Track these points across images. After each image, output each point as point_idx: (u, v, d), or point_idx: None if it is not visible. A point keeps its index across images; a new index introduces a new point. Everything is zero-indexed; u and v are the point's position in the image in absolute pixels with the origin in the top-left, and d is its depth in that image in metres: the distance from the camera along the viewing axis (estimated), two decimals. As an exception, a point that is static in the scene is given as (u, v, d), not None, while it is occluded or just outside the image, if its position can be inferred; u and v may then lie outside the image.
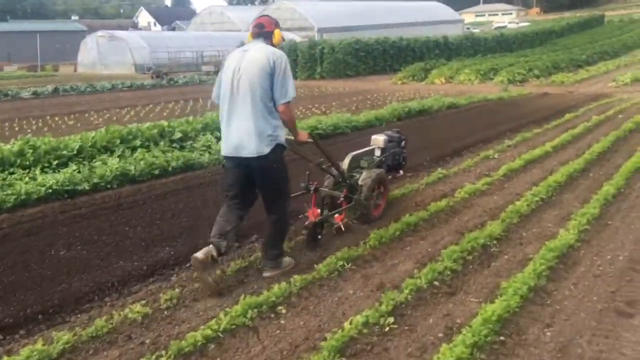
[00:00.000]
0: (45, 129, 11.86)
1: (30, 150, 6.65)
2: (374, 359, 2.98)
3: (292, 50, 26.86)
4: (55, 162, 6.66)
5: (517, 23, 63.91)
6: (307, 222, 4.46)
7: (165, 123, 8.24)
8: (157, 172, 6.86)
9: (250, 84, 3.69)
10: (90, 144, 7.11)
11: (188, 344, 3.04)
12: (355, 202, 4.90)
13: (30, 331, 3.39)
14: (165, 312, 3.53)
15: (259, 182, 3.91)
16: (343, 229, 4.75)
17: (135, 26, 73.25)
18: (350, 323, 3.23)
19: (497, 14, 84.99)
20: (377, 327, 3.25)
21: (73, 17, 78.46)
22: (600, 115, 11.20)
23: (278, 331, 3.27)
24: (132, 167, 6.65)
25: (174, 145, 7.88)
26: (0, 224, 5.15)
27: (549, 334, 3.20)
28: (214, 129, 8.62)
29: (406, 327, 3.28)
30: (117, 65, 36.78)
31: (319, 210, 4.54)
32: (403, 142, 5.90)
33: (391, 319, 3.31)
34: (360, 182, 4.93)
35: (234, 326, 3.25)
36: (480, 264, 4.19)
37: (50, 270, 4.20)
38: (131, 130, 7.68)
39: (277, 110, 3.78)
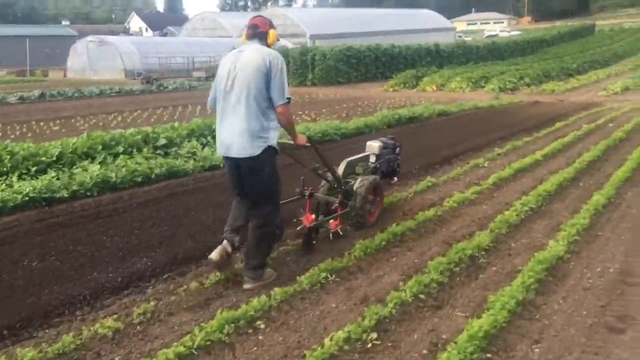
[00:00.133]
0: (30, 134, 11.66)
1: (8, 156, 6.46)
2: (354, 378, 2.84)
3: (283, 57, 26.61)
4: (33, 169, 6.46)
5: (509, 32, 64.34)
6: (300, 227, 4.45)
7: (149, 129, 8.07)
8: (139, 179, 6.68)
9: (245, 83, 3.66)
10: (70, 150, 6.93)
11: (159, 362, 2.88)
12: (351, 208, 4.87)
13: (-6, 347, 3.22)
14: (138, 327, 3.36)
15: (247, 183, 3.85)
16: (341, 233, 4.75)
17: (126, 31, 72.94)
18: (331, 339, 3.09)
19: (488, 23, 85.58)
20: (359, 343, 3.12)
21: (64, 22, 78.03)
22: (590, 124, 11.17)
23: (255, 348, 3.12)
24: (114, 174, 6.48)
25: (158, 151, 7.71)
26: (-27, 233, 4.97)
27: (537, 350, 3.08)
28: (199, 135, 8.47)
29: (389, 344, 3.14)
30: (107, 70, 36.49)
31: (313, 216, 4.51)
32: (398, 149, 5.93)
33: (374, 335, 3.17)
34: (355, 188, 4.90)
35: (209, 342, 3.10)
36: (468, 276, 4.06)
37: (20, 282, 4.02)
38: (114, 136, 7.51)
39: (274, 111, 3.74)
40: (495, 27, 77.07)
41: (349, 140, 9.74)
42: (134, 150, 7.47)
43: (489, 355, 2.99)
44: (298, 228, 4.59)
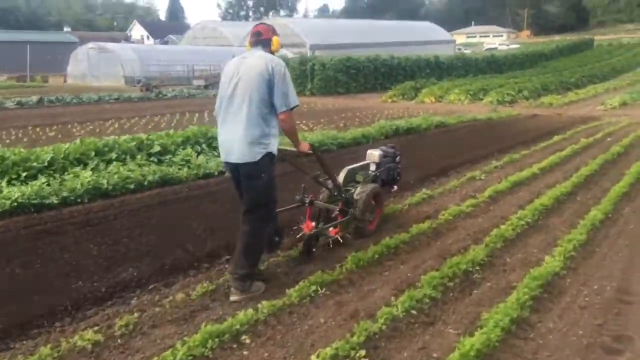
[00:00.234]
0: (25, 139, 11.58)
1: (-2, 162, 6.38)
2: (340, 398, 2.74)
3: (283, 66, 26.72)
4: (24, 174, 6.36)
5: (508, 45, 64.62)
6: (300, 235, 4.48)
7: (143, 136, 7.99)
8: (131, 186, 6.58)
9: (247, 89, 3.67)
10: (62, 155, 6.84)
11: (138, 377, 2.78)
12: (351, 216, 4.87)
13: (-31, 359, 3.11)
14: (119, 340, 3.26)
15: (245, 187, 3.84)
16: (341, 240, 4.75)
17: (127, 39, 73.11)
18: (318, 356, 2.99)
19: (488, 36, 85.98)
20: (347, 360, 3.01)
21: (65, 29, 78.21)
22: (588, 138, 11.11)
23: (239, 364, 3.02)
24: (105, 181, 6.38)
25: (152, 158, 7.62)
26: (-43, 239, 4.86)
27: (531, 371, 2.98)
28: (194, 142, 8.39)
29: (378, 362, 3.04)
30: (107, 77, 36.50)
31: (313, 223, 4.53)
32: (398, 158, 5.96)
33: (363, 352, 3.07)
34: (355, 196, 4.92)
35: (190, 357, 3.00)
36: (461, 292, 3.97)
37: (1, 290, 3.91)
38: (107, 143, 7.42)
39: (276, 118, 3.75)
40: (495, 40, 77.46)
41: (346, 150, 9.65)
42: (127, 157, 7.38)
43: (480, 375, 2.89)
44: (298, 235, 4.58)
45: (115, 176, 6.56)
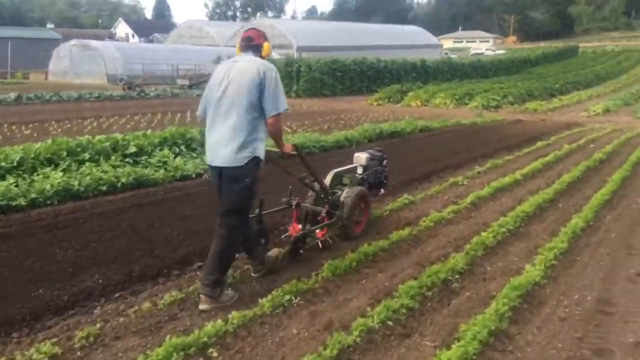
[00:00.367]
0: (0, 137, 11.26)
1: (-35, 161, 6.13)
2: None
3: (269, 67, 26.57)
4: (-9, 175, 6.14)
5: (494, 50, 65.09)
6: (285, 235, 4.52)
7: (119, 136, 7.77)
8: (104, 188, 6.38)
9: (237, 93, 3.64)
10: (33, 155, 6.60)
11: (93, 395, 2.61)
12: (337, 219, 4.85)
13: None
14: (78, 353, 3.08)
15: (225, 191, 3.76)
16: (330, 241, 4.75)
17: (112, 37, 72.28)
18: (287, 371, 2.84)
19: (474, 41, 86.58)
20: (318, 375, 2.87)
21: (49, 25, 77.16)
22: (571, 144, 11.12)
23: (204, 379, 2.86)
24: (77, 182, 6.17)
25: (127, 160, 7.41)
26: None
27: (508, 387, 2.86)
28: (172, 144, 8.19)
29: (350, 377, 2.90)
30: (90, 75, 35.96)
31: (300, 226, 4.53)
32: (385, 161, 5.97)
33: (335, 366, 2.93)
34: (342, 199, 4.92)
35: (153, 372, 2.83)
36: (440, 301, 3.85)
37: (-43, 298, 3.71)
38: (80, 143, 7.19)
39: (264, 121, 3.72)
40: (481, 45, 78.00)
41: (328, 154, 9.53)
42: (101, 157, 7.16)
43: (456, 392, 2.77)
44: (283, 236, 4.61)
45: (88, 177, 6.36)
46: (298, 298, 3.79)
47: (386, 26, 55.92)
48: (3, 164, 6.29)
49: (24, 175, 6.30)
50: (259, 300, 3.69)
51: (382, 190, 6.06)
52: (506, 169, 8.63)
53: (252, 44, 3.87)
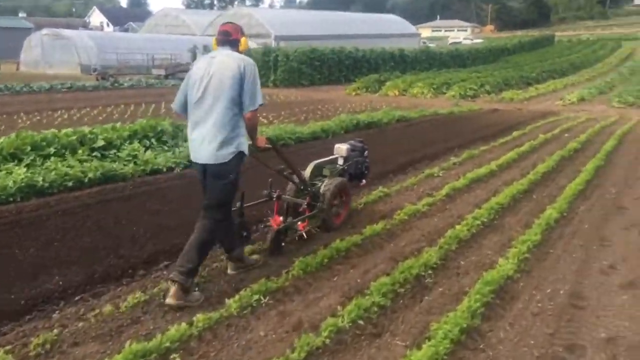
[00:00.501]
0: (-36, 130, 10.88)
1: None
2: None
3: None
4: (-51, 171, 5.88)
5: (472, 39, 65.37)
6: (265, 226, 4.49)
7: (86, 129, 7.52)
8: (70, 183, 6.16)
9: (218, 89, 3.63)
10: (-6, 150, 6.36)
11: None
12: (318, 210, 4.84)
13: None
14: (33, 361, 2.93)
15: (210, 187, 3.78)
16: (305, 236, 4.71)
17: (86, 26, 70.72)
18: (252, 376, 2.74)
19: (453, 30, 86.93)
20: (285, 380, 2.77)
21: (21, 14, 75.05)
22: (546, 134, 11.16)
23: (165, 387, 2.74)
24: (41, 178, 5.95)
25: (95, 154, 7.18)
26: None
27: (479, 388, 2.80)
28: (143, 137, 7.97)
29: (318, 380, 2.81)
30: (63, 65, 35.11)
31: (281, 218, 4.52)
32: (366, 152, 5.96)
33: (302, 370, 2.84)
34: (322, 190, 4.91)
35: (110, 381, 2.70)
36: (412, 298, 3.78)
37: None
38: (45, 137, 6.94)
39: (243, 117, 3.71)
40: (459, 34, 78.32)
41: (304, 145, 9.40)
42: (68, 152, 6.92)
43: (426, 394, 2.70)
44: (264, 227, 4.60)
45: (53, 173, 6.14)
46: (267, 297, 3.68)
47: (364, 15, 55.67)
48: (-38, 159, 6.04)
49: (-15, 171, 6.05)
50: (226, 300, 3.57)
51: (363, 181, 6.06)
52: (482, 160, 8.61)
53: (230, 38, 3.84)
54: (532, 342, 3.24)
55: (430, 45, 49.63)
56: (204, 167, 3.74)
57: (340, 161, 5.57)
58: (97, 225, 5.06)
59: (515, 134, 11.40)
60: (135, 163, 7.13)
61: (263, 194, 4.62)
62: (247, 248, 4.37)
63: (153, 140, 8.05)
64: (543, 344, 3.22)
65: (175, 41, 38.79)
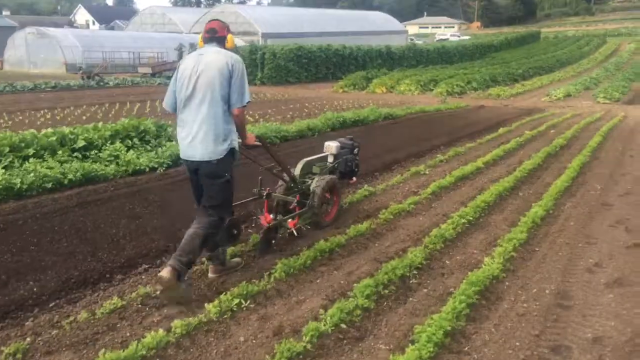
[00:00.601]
0: (-58, 131, 10.64)
1: None
2: None
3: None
4: None
5: (459, 36, 65.61)
6: (261, 228, 4.42)
7: (66, 129, 7.36)
8: (49, 185, 6.04)
9: (208, 86, 3.61)
10: (-30, 152, 6.20)
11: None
12: (308, 207, 4.83)
13: None
14: (3, 372, 2.82)
15: (205, 185, 3.76)
16: (296, 233, 4.69)
17: (71, 24, 69.88)
18: (231, 385, 2.65)
19: (440, 27, 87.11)
20: (264, 388, 2.69)
21: (4, 12, 74.02)
22: (532, 130, 11.17)
23: (139, 397, 2.65)
24: (19, 180, 5.81)
25: (76, 154, 7.03)
26: None
27: (463, 392, 2.74)
28: (125, 136, 7.83)
29: (298, 388, 2.73)
30: (47, 63, 34.69)
31: (271, 216, 4.46)
32: (356, 150, 5.96)
33: (282, 377, 2.76)
34: (312, 188, 4.90)
35: (82, 393, 2.60)
36: (396, 300, 3.71)
37: None
38: (24, 137, 6.78)
39: (231, 113, 3.71)
40: (446, 31, 78.53)
41: (289, 144, 9.31)
42: (47, 153, 6.78)
43: (409, 400, 2.63)
44: (260, 231, 4.48)
45: (31, 175, 6.00)
46: (248, 301, 3.59)
47: (352, 12, 55.58)
48: (-64, 162, 5.87)
49: (-40, 173, 5.88)
50: (206, 305, 3.48)
51: (353, 179, 6.04)
52: (468, 157, 8.58)
53: (216, 36, 3.82)
54: (517, 343, 3.19)
55: (417, 42, 49.72)
56: (196, 166, 3.71)
57: (330, 159, 5.58)
58: (75, 228, 4.94)
59: (501, 130, 11.40)
60: (117, 164, 7.01)
61: (253, 192, 4.59)
62: (228, 250, 4.27)
63: (136, 140, 7.92)
64: (529, 346, 3.16)
65: (162, 39, 38.48)
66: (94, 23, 79.44)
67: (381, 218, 5.37)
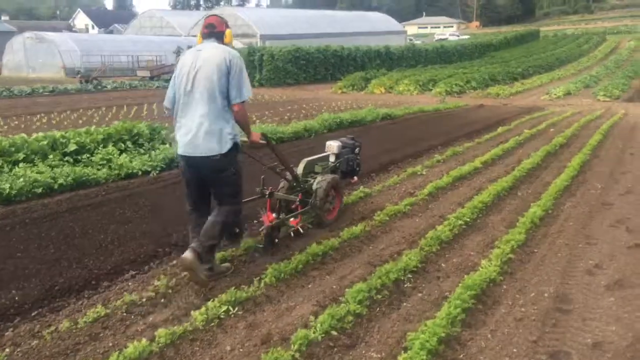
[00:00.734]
0: (-64, 137, 10.54)
1: None
2: None
3: (231, 57, 26.00)
4: None
5: (458, 36, 65.49)
6: (263, 227, 4.41)
7: (58, 133, 7.26)
8: (39, 190, 5.93)
9: (207, 81, 3.60)
10: (-41, 157, 6.09)
11: None
12: (310, 206, 4.85)
13: None
14: (-23, 387, 2.71)
15: (213, 182, 3.80)
16: (302, 231, 4.72)
17: (69, 28, 69.90)
18: (214, 397, 2.54)
19: (439, 27, 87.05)
20: (249, 400, 2.58)
21: (3, 17, 74.12)
22: (532, 129, 11.05)
23: (118, 412, 2.53)
24: (8, 185, 5.71)
25: (67, 158, 6.93)
26: None
27: (457, 403, 2.62)
28: (117, 140, 7.72)
29: (285, 400, 2.62)
30: (46, 68, 34.67)
31: (274, 215, 4.48)
32: (357, 149, 5.97)
33: (269, 388, 2.64)
34: (314, 187, 4.93)
35: (58, 408, 2.49)
36: (390, 305, 3.59)
37: None
38: (14, 142, 6.68)
39: (231, 109, 3.69)
40: (445, 31, 78.44)
41: (286, 145, 9.20)
42: (37, 157, 6.67)
43: (400, 412, 2.51)
44: (261, 230, 4.47)
45: (21, 180, 5.89)
46: (236, 308, 3.48)
47: (351, 13, 55.53)
48: None
49: (-52, 179, 5.79)
50: (192, 312, 3.37)
51: (355, 178, 6.03)
52: (466, 157, 8.46)
53: (215, 31, 3.81)
54: (514, 350, 3.07)
55: (416, 42, 49.63)
56: (198, 162, 3.67)
57: (332, 158, 5.59)
58: (63, 235, 4.83)
59: (500, 129, 11.28)
60: (109, 167, 6.90)
61: (256, 191, 4.58)
62: (218, 254, 4.16)
63: (129, 143, 7.81)
64: (526, 352, 3.04)
65: (160, 42, 38.48)
66: (93, 27, 79.54)
67: (376, 220, 5.25)
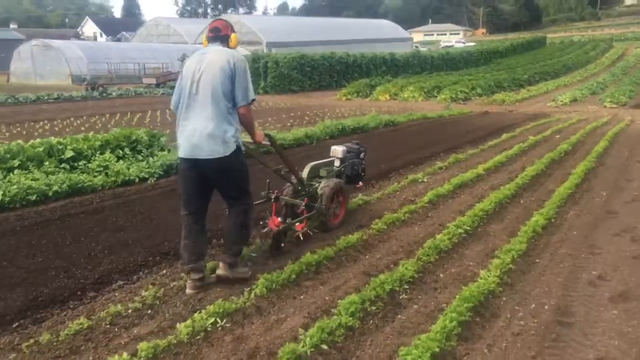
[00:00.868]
0: (-62, 144, 10.54)
1: None
2: None
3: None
4: None
5: (464, 43, 65.41)
6: (266, 229, 4.45)
7: (54, 140, 7.20)
8: (33, 197, 5.86)
9: (211, 84, 3.62)
10: (-47, 164, 6.04)
11: None
12: (316, 211, 4.85)
13: None
14: (-51, 403, 2.60)
15: (220, 184, 3.81)
16: (311, 233, 4.79)
17: (77, 36, 70.46)
18: (193, 416, 2.41)
19: (445, 34, 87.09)
20: (230, 419, 2.45)
21: (12, 25, 74.83)
22: (537, 136, 10.89)
23: None
24: (1, 192, 5.65)
25: (63, 165, 6.87)
26: None
27: (450, 423, 2.49)
28: (115, 146, 7.65)
29: (268, 419, 2.49)
30: (53, 75, 34.90)
31: (279, 219, 4.52)
32: (362, 154, 5.99)
33: (251, 406, 2.52)
34: (319, 191, 4.93)
35: None
36: (384, 317, 3.46)
37: None
38: (10, 149, 6.62)
39: (237, 112, 3.72)
40: (451, 38, 78.42)
41: (287, 152, 9.05)
42: (32, 164, 6.61)
43: None
44: (264, 230, 4.52)
45: (14, 186, 5.82)
46: (224, 320, 3.36)
47: (357, 20, 55.66)
48: None
49: (-58, 186, 5.73)
50: (177, 326, 3.25)
51: (360, 183, 6.03)
52: (469, 164, 8.32)
53: (220, 34, 3.85)
54: (511, 366, 2.93)
55: (422, 49, 49.55)
56: (202, 165, 3.65)
57: (337, 163, 5.60)
58: (53, 243, 4.74)
59: (504, 136, 11.13)
60: (105, 174, 6.84)
61: (261, 195, 4.59)
62: (209, 265, 4.04)
63: (127, 150, 7.74)
64: (524, 369, 2.90)
65: (167, 50, 38.66)
66: (101, 35, 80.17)
67: (374, 228, 5.12)
